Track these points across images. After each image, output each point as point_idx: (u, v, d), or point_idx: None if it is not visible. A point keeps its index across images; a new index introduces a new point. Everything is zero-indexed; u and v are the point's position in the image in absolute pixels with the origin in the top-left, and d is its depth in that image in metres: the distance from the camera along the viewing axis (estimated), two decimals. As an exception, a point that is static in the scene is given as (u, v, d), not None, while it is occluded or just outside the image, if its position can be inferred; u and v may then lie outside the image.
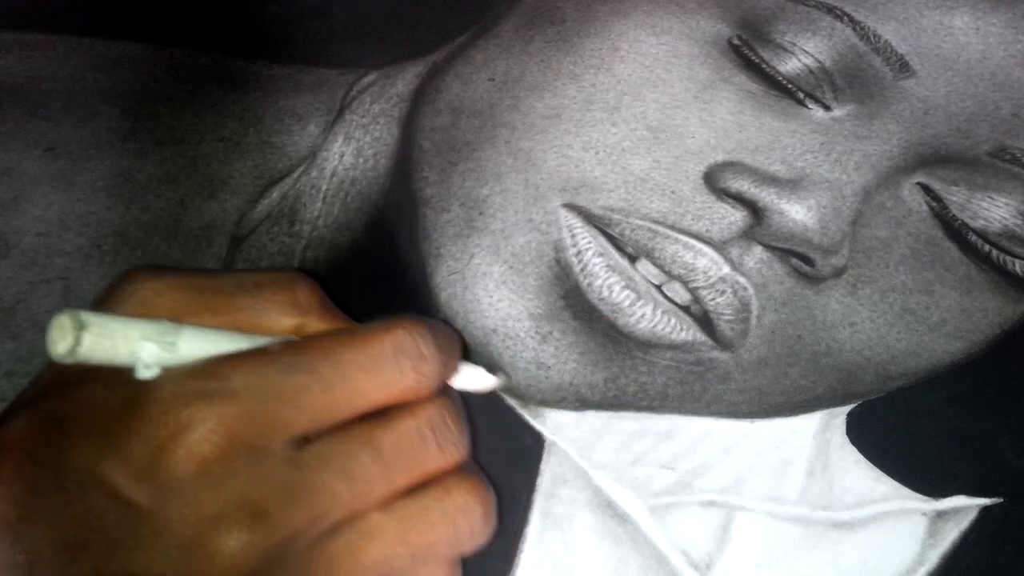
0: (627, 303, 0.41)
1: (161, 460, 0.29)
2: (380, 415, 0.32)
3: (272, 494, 0.29)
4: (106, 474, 0.29)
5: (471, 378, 0.37)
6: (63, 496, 0.29)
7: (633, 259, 0.42)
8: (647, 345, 0.41)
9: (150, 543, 0.29)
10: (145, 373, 0.30)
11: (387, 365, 0.32)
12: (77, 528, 0.29)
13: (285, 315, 0.33)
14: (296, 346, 0.32)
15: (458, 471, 0.33)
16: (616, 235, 0.41)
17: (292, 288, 0.34)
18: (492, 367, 0.39)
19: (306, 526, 0.30)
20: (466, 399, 0.36)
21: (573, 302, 0.42)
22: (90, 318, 0.29)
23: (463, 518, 0.33)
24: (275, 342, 0.32)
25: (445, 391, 0.34)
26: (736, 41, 0.43)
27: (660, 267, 0.41)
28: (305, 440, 0.31)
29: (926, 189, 0.42)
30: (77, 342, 0.29)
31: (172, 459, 0.29)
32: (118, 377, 0.30)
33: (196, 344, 0.31)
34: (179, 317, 0.31)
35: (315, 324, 0.34)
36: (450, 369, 0.34)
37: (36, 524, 0.29)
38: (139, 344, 0.30)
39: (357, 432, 0.31)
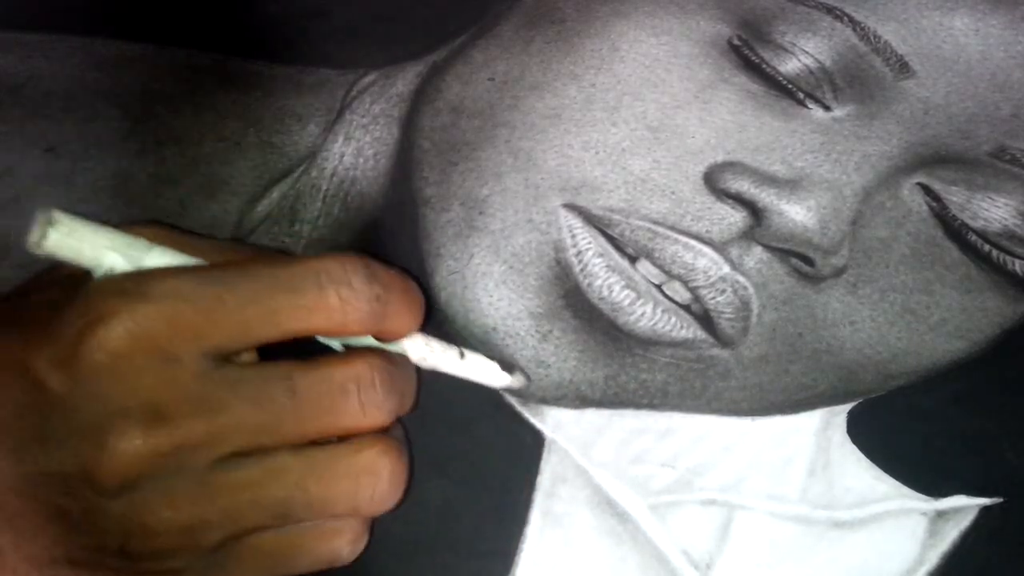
0: (627, 302, 0.41)
1: (78, 347, 0.29)
2: (311, 361, 0.32)
3: (175, 401, 0.30)
4: (32, 361, 0.30)
5: (483, 370, 0.37)
6: None
7: (633, 259, 0.42)
8: (647, 343, 0.42)
9: (58, 433, 0.30)
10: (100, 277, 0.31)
11: (308, 287, 0.31)
12: (3, 418, 0.30)
13: None
14: (224, 263, 0.32)
15: (377, 433, 0.33)
16: (616, 235, 0.42)
17: (261, 252, 0.35)
18: (510, 366, 0.39)
19: (205, 441, 0.30)
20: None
21: (573, 302, 0.42)
22: (62, 218, 0.31)
23: (367, 479, 0.33)
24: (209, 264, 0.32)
25: (390, 357, 0.34)
26: (736, 41, 0.43)
27: (660, 267, 0.41)
28: (221, 361, 0.31)
29: (926, 189, 0.42)
30: (44, 235, 0.30)
31: (87, 347, 0.29)
32: (77, 281, 0.31)
33: (161, 262, 0.32)
34: None
35: None
36: (389, 308, 0.33)
37: None
38: (104, 251, 0.31)
39: (277, 366, 0.32)
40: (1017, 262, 0.43)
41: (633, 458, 0.42)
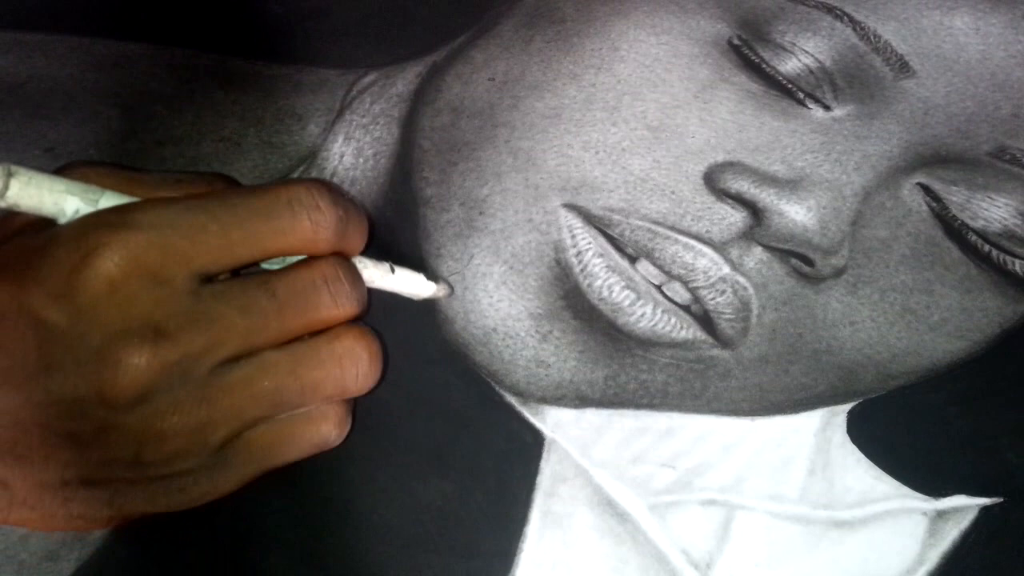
0: (627, 303, 0.41)
1: (73, 280, 0.32)
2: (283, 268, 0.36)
3: (173, 318, 0.33)
4: (26, 299, 0.32)
5: (410, 282, 0.41)
6: None
7: (633, 259, 0.42)
8: (647, 343, 0.41)
9: (65, 362, 0.32)
10: (66, 223, 0.33)
11: (282, 212, 0.34)
12: (2, 356, 0.32)
13: None
14: (201, 194, 0.35)
15: (351, 323, 0.37)
16: (616, 236, 0.41)
17: (211, 182, 0.37)
18: (435, 276, 0.42)
19: (203, 351, 0.33)
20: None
21: (573, 302, 0.42)
22: (20, 170, 0.33)
23: (349, 360, 0.36)
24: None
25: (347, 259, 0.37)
26: (736, 41, 0.43)
27: (660, 267, 0.41)
28: (208, 280, 0.34)
29: (926, 189, 0.42)
30: (6, 187, 0.32)
31: (83, 278, 0.32)
32: (44, 227, 0.33)
33: (117, 203, 0.34)
34: None
35: None
36: (349, 226, 0.36)
37: None
38: (63, 196, 0.33)
39: (255, 276, 0.35)
40: (1017, 262, 0.43)
41: (633, 458, 0.42)
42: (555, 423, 0.43)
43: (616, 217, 0.41)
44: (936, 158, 0.42)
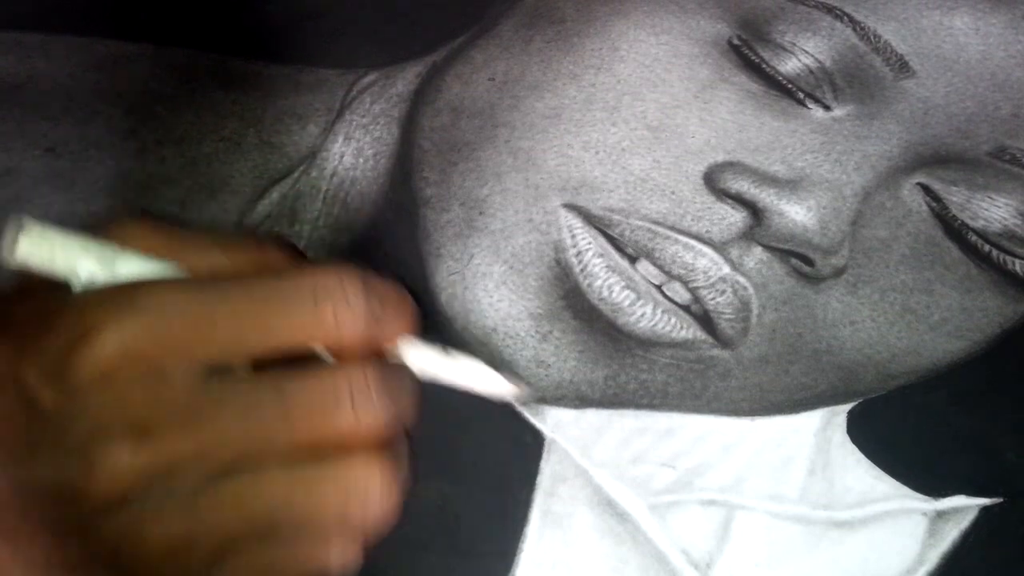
0: (627, 303, 0.41)
1: (68, 360, 0.29)
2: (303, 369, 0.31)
3: (163, 417, 0.29)
4: (21, 373, 0.29)
5: (481, 378, 0.36)
6: None
7: (633, 259, 0.42)
8: (647, 343, 0.41)
9: (49, 448, 0.29)
10: (79, 287, 0.30)
11: (303, 304, 0.31)
12: None
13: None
14: (216, 278, 0.31)
15: (372, 445, 0.31)
16: (616, 236, 0.41)
17: (263, 248, 0.34)
18: (515, 377, 0.37)
19: (193, 457, 0.29)
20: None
21: (573, 302, 0.42)
22: (33, 225, 0.30)
23: (356, 496, 0.31)
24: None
25: (389, 362, 0.33)
26: (736, 41, 0.43)
27: (660, 267, 0.41)
28: (217, 372, 0.30)
29: (926, 189, 0.42)
30: (15, 243, 0.30)
31: (75, 362, 0.29)
32: (58, 292, 0.31)
33: (136, 268, 0.31)
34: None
35: None
36: (384, 325, 0.32)
37: None
38: (76, 258, 0.30)
39: (266, 376, 0.31)
40: (1017, 262, 0.43)
41: (633, 458, 0.42)
42: (555, 423, 0.43)
43: (616, 217, 0.41)
44: (936, 158, 0.42)
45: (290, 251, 0.34)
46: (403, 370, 0.34)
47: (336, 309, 0.31)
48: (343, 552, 0.33)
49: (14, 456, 0.30)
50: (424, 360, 0.34)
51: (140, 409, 0.29)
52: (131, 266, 0.31)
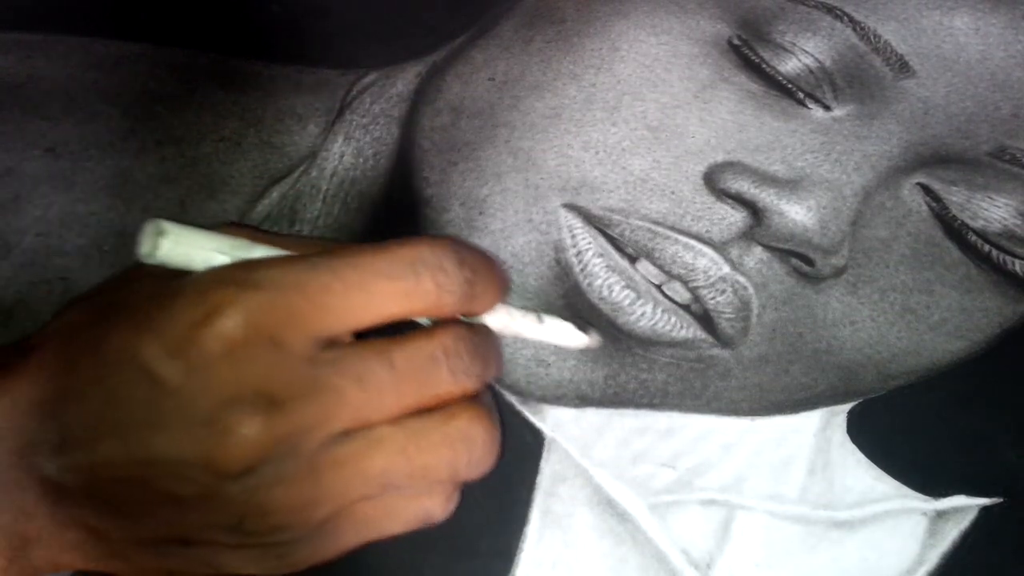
0: (627, 302, 0.41)
1: (192, 337, 0.31)
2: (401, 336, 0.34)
3: (289, 387, 0.31)
4: (141, 351, 0.31)
5: (560, 332, 0.39)
6: (99, 375, 0.31)
7: (633, 259, 0.42)
8: (647, 343, 0.41)
9: (173, 421, 0.31)
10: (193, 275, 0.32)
11: (406, 273, 0.33)
12: (109, 406, 0.31)
13: None
14: (323, 252, 0.34)
15: (467, 400, 0.35)
16: (616, 236, 0.41)
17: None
18: (585, 326, 0.40)
19: (316, 424, 0.32)
20: None
21: (573, 301, 0.42)
22: (170, 226, 0.32)
23: (463, 445, 0.34)
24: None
25: (473, 326, 0.36)
26: (736, 41, 0.43)
27: (660, 267, 0.41)
28: (325, 345, 0.32)
29: (926, 189, 0.42)
30: (156, 245, 0.32)
31: (201, 337, 0.31)
32: (170, 273, 0.33)
33: (260, 254, 0.33)
34: None
35: None
36: (477, 288, 0.35)
37: (69, 403, 0.32)
38: (212, 254, 0.33)
39: (373, 344, 0.33)
40: (1017, 262, 0.43)
41: (633, 458, 0.42)
42: (555, 422, 0.43)
43: (616, 217, 0.41)
44: (936, 158, 0.42)
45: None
46: (485, 330, 0.36)
47: (435, 277, 0.33)
48: (448, 500, 0.36)
49: (132, 430, 0.31)
50: (515, 322, 0.37)
51: (265, 380, 0.31)
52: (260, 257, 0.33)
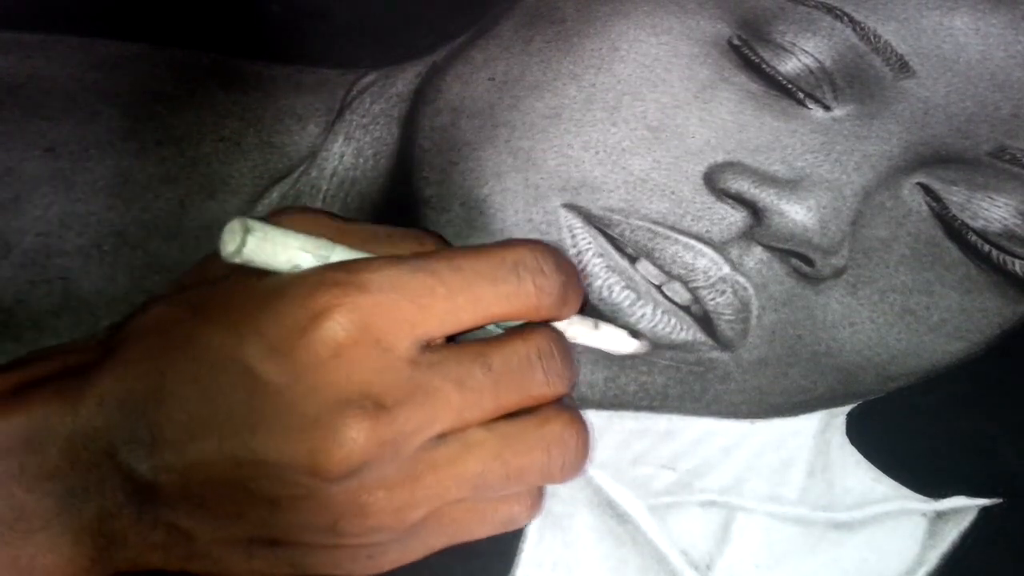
0: (627, 303, 0.41)
1: (299, 340, 0.31)
2: (497, 338, 0.34)
3: (393, 390, 0.31)
4: (242, 352, 0.31)
5: (612, 338, 0.39)
6: (195, 374, 0.31)
7: (633, 259, 0.42)
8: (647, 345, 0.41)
9: (275, 423, 0.31)
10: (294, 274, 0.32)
11: (508, 276, 0.33)
12: (206, 405, 0.31)
13: None
14: (425, 253, 0.34)
15: (558, 403, 0.35)
16: (616, 236, 0.41)
17: (421, 241, 0.36)
18: (636, 333, 0.40)
19: (418, 427, 0.32)
20: None
21: (573, 302, 0.42)
22: (256, 224, 0.32)
23: (557, 448, 0.34)
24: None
25: (558, 330, 0.36)
26: (736, 41, 0.43)
27: (660, 267, 0.41)
28: (425, 348, 0.32)
29: (926, 189, 0.42)
30: (243, 243, 0.32)
31: (309, 340, 0.31)
32: (258, 273, 0.32)
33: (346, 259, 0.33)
34: None
35: None
36: (568, 291, 0.35)
37: (162, 401, 0.31)
38: (296, 253, 0.32)
39: (471, 346, 0.33)
40: (1017, 262, 0.43)
41: (633, 459, 0.42)
42: (555, 423, 0.43)
43: (616, 217, 0.41)
44: (936, 158, 0.42)
45: (436, 235, 0.37)
46: (563, 335, 0.36)
47: (536, 281, 0.34)
48: (534, 504, 0.36)
49: (231, 432, 0.31)
50: (573, 327, 0.37)
51: (370, 383, 0.31)
52: (341, 258, 0.33)
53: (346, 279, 0.31)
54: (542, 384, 0.34)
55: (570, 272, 0.35)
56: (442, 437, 0.32)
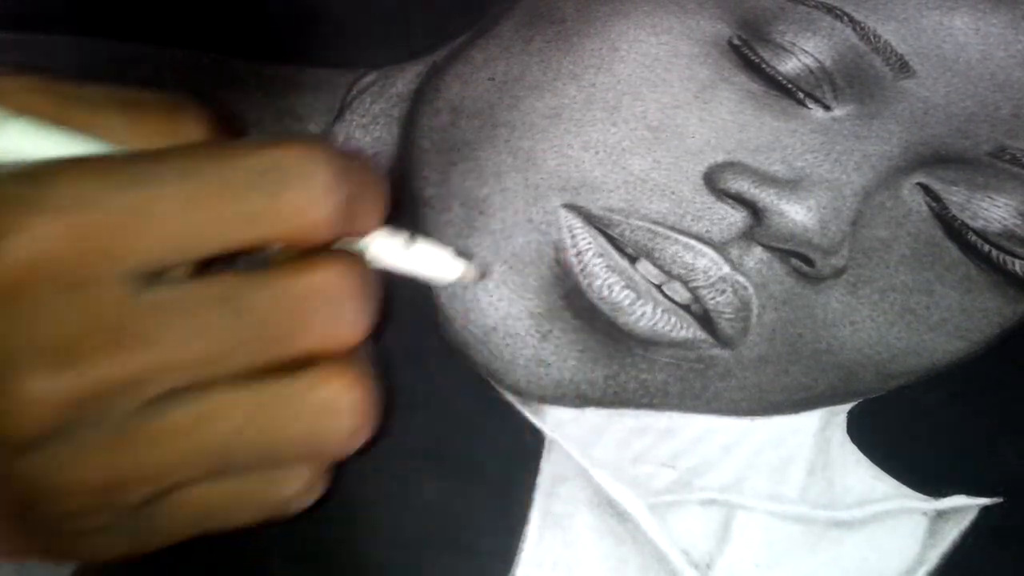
0: (627, 302, 0.41)
1: None
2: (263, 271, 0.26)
3: (90, 337, 0.24)
4: None
5: (429, 260, 0.30)
6: None
7: (633, 259, 0.42)
8: (647, 343, 0.42)
9: None
10: None
11: (261, 190, 0.25)
12: None
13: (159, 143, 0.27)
14: (148, 155, 0.25)
15: (344, 359, 0.27)
16: (616, 236, 0.41)
17: (177, 113, 0.28)
18: (466, 254, 0.31)
19: (130, 382, 0.25)
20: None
21: (573, 301, 0.42)
22: None
23: (328, 419, 0.27)
24: (126, 150, 0.26)
25: (353, 257, 0.27)
26: (736, 41, 0.43)
27: (660, 267, 0.41)
28: (152, 279, 0.25)
29: (926, 189, 0.42)
30: None
31: None
32: None
33: (28, 141, 0.25)
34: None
35: None
36: (358, 205, 0.27)
37: None
38: None
39: (217, 281, 0.26)
40: (1017, 262, 0.43)
41: (633, 458, 0.42)
42: (555, 422, 0.43)
43: (616, 217, 0.41)
44: (936, 158, 0.42)
45: (215, 118, 0.28)
46: (366, 267, 0.28)
47: (301, 195, 0.25)
48: (307, 484, 0.29)
49: None
50: (386, 251, 0.29)
51: (60, 329, 0.24)
52: (21, 139, 0.25)
53: (28, 194, 0.24)
54: (318, 333, 0.26)
55: (362, 179, 0.27)
56: (174, 398, 0.25)
